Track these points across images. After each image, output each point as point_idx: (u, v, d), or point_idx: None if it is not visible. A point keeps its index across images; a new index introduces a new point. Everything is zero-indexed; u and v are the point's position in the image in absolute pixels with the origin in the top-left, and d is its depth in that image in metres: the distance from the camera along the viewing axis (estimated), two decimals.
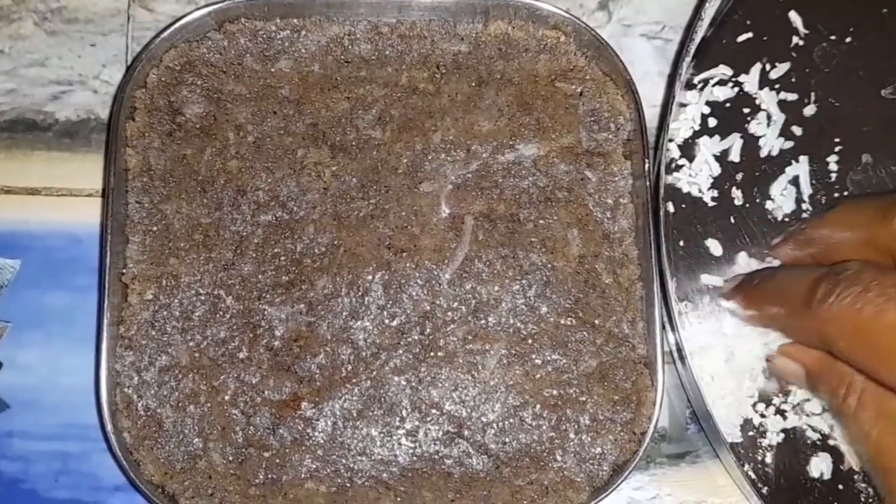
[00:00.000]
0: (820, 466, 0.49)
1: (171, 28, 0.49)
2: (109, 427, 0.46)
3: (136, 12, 0.54)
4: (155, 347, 0.47)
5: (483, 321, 0.48)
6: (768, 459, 0.49)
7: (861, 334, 0.39)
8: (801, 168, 0.51)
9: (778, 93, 0.52)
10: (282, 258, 0.48)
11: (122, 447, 0.46)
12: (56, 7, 0.54)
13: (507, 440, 0.47)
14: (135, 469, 0.45)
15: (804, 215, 0.51)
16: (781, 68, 0.53)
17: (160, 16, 0.54)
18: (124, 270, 0.48)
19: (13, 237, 0.51)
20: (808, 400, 0.49)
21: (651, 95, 0.54)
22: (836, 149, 0.52)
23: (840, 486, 0.49)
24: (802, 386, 0.47)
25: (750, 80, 0.52)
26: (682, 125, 0.52)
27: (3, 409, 0.50)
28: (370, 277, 0.48)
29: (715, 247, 0.51)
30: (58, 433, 0.49)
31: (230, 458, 0.46)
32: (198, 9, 0.50)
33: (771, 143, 0.52)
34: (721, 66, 0.52)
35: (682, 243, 0.51)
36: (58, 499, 0.49)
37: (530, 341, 0.48)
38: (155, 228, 0.48)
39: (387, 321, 0.48)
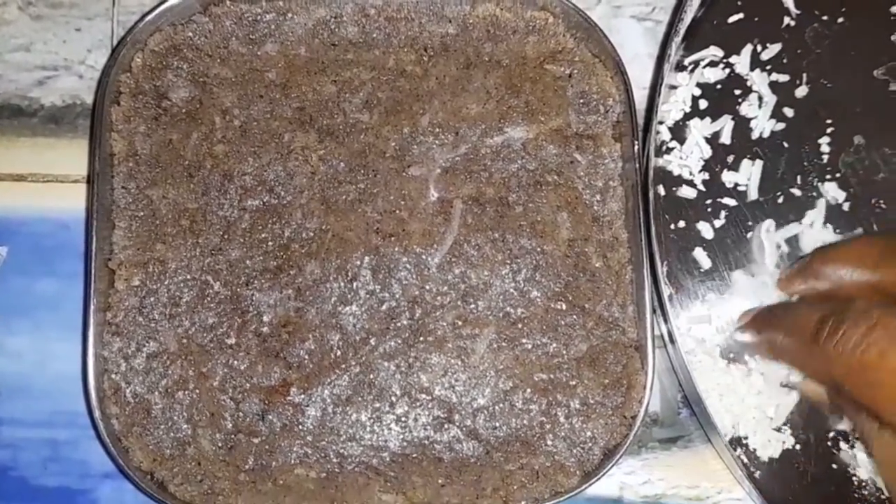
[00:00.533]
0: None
1: (156, 11, 0.49)
2: (97, 414, 0.45)
3: None
4: (142, 334, 0.47)
5: (473, 305, 0.48)
6: (759, 444, 0.48)
7: (865, 374, 0.39)
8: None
9: (769, 74, 0.52)
10: (269, 243, 0.48)
11: (111, 434, 0.46)
12: None
13: (497, 425, 0.47)
14: (123, 456, 0.45)
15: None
16: (773, 49, 0.52)
17: (145, 0, 0.53)
18: (111, 256, 0.47)
19: (0, 223, 0.51)
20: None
21: (641, 77, 0.53)
22: (828, 130, 0.52)
23: (833, 466, 0.49)
24: (825, 410, 0.47)
25: (741, 62, 0.52)
26: (673, 107, 0.51)
27: None
28: (358, 262, 0.48)
29: (706, 230, 0.50)
30: (47, 420, 0.49)
31: (219, 445, 0.46)
32: None
33: (762, 124, 0.52)
34: (712, 48, 0.52)
35: (672, 226, 0.50)
36: (47, 486, 0.49)
37: (520, 325, 0.48)
38: (141, 214, 0.48)
39: (376, 306, 0.48)
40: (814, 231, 0.50)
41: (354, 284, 0.48)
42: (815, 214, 0.50)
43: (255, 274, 0.48)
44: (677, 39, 0.50)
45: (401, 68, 0.50)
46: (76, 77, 0.53)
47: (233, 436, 0.46)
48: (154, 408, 0.46)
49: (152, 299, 0.47)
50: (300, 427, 0.47)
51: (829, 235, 0.50)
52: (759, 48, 0.52)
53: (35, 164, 0.52)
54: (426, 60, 0.50)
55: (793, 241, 0.50)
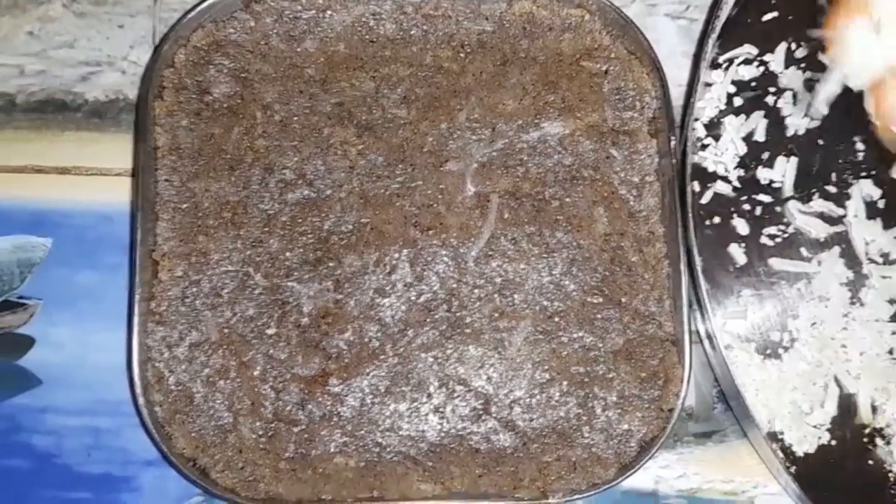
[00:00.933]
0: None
1: (199, 8, 0.50)
2: (142, 401, 0.46)
3: None
4: (185, 323, 0.48)
5: (509, 299, 0.48)
6: (795, 439, 0.48)
7: None
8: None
9: (804, 72, 0.52)
10: (309, 236, 0.49)
11: (155, 421, 0.46)
12: None
13: (534, 417, 0.47)
14: (167, 442, 0.46)
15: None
16: (807, 47, 0.52)
17: None
18: (154, 248, 0.48)
19: (44, 216, 0.52)
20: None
21: (676, 75, 0.54)
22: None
23: (869, 462, 0.48)
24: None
25: (776, 60, 0.52)
26: (708, 104, 0.52)
27: (36, 384, 0.50)
28: (397, 255, 0.49)
29: (741, 226, 0.51)
30: (89, 408, 0.50)
31: (260, 433, 0.47)
32: None
33: (797, 122, 0.52)
34: (746, 46, 0.52)
35: (707, 222, 0.51)
36: (91, 473, 0.49)
37: (557, 319, 0.48)
38: (184, 206, 0.49)
39: (413, 298, 0.48)
40: (858, 222, 0.50)
41: (392, 277, 0.48)
42: (856, 207, 0.51)
43: (295, 266, 0.48)
44: (713, 37, 0.50)
45: (438, 65, 0.51)
46: (119, 73, 0.54)
47: (273, 424, 0.47)
48: (196, 396, 0.47)
49: (195, 290, 0.48)
50: (339, 416, 0.47)
51: (876, 229, 0.50)
52: (793, 46, 0.52)
53: (79, 157, 0.53)
54: (463, 57, 0.51)
55: (843, 235, 0.50)
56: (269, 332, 0.48)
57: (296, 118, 0.50)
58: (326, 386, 0.47)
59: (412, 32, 0.51)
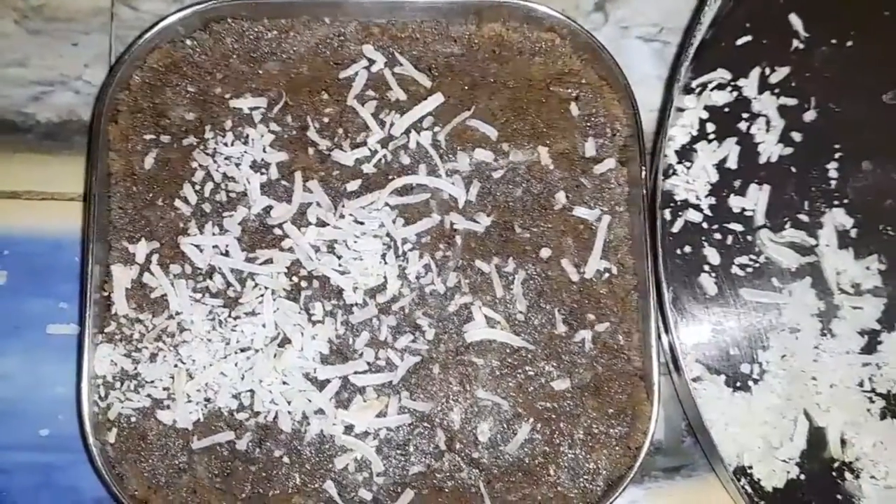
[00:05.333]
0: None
1: (156, 28, 0.48)
2: (91, 440, 0.44)
3: (120, 10, 0.53)
4: (138, 356, 0.46)
5: (475, 331, 0.47)
6: (764, 474, 0.48)
7: None
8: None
9: (778, 97, 0.51)
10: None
11: (105, 460, 0.45)
12: (37, 5, 0.52)
13: (499, 454, 0.46)
14: (118, 483, 0.44)
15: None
16: (781, 72, 0.51)
17: (144, 14, 0.52)
18: (107, 279, 0.46)
19: None
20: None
21: (648, 99, 0.52)
22: (836, 155, 0.51)
23: (838, 497, 0.48)
24: None
25: (749, 85, 0.51)
26: (680, 131, 0.51)
27: None
28: None
29: (713, 255, 0.50)
30: (38, 444, 0.48)
31: (216, 472, 0.45)
32: (183, 8, 0.48)
33: (770, 149, 0.51)
34: (720, 70, 0.51)
35: (678, 251, 0.50)
36: None
37: (523, 353, 0.47)
38: (138, 236, 0.47)
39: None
40: (830, 252, 0.49)
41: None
42: (828, 237, 0.50)
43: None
44: (687, 62, 0.49)
45: (405, 88, 0.49)
46: (73, 92, 0.52)
47: (229, 463, 0.45)
48: (149, 433, 0.45)
49: (148, 322, 0.46)
50: (298, 454, 0.46)
51: (848, 259, 0.50)
52: (767, 71, 0.51)
53: (30, 181, 0.51)
54: (431, 80, 0.49)
55: (814, 265, 0.50)
56: None
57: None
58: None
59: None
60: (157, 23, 0.48)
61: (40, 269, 0.50)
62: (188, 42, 0.49)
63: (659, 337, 0.48)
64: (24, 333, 0.49)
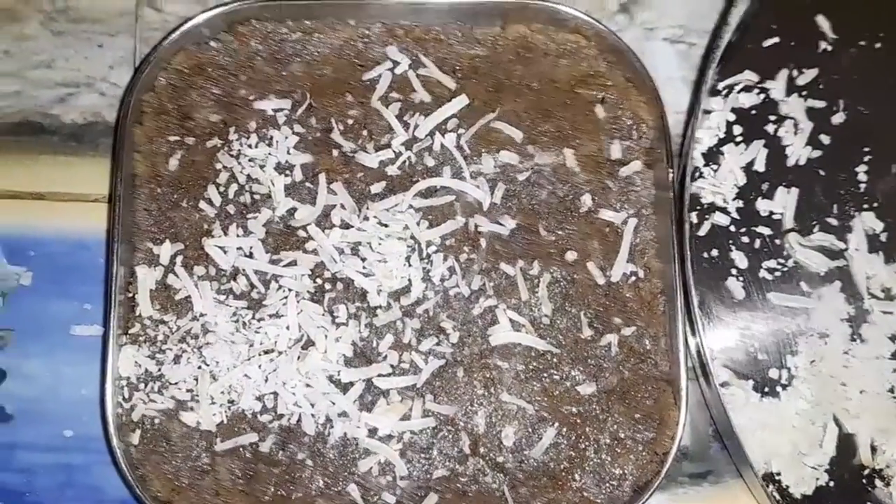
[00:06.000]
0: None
1: (180, 30, 0.48)
2: (115, 441, 0.44)
3: (145, 12, 0.53)
4: (163, 359, 0.46)
5: (500, 335, 0.47)
6: (792, 480, 0.47)
7: None
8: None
9: (806, 99, 0.51)
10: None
11: (129, 461, 0.44)
12: (63, 7, 0.53)
13: (523, 458, 0.46)
14: (141, 484, 0.44)
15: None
16: (809, 74, 0.51)
17: (169, 16, 0.53)
18: (132, 280, 0.46)
19: (18, 242, 0.50)
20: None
21: (673, 101, 0.52)
22: (866, 158, 0.50)
23: None
24: None
25: (777, 87, 0.51)
26: (707, 133, 0.50)
27: (6, 420, 0.48)
28: None
29: (740, 259, 0.49)
30: (62, 445, 0.48)
31: (238, 474, 0.45)
32: (207, 10, 0.48)
33: (798, 151, 0.50)
34: (747, 72, 0.50)
35: (705, 255, 0.49)
36: None
37: (548, 356, 0.47)
38: (163, 237, 0.47)
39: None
40: (860, 256, 0.49)
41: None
42: (858, 240, 0.49)
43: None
44: (714, 64, 0.49)
45: (429, 90, 0.49)
46: (98, 94, 0.52)
47: (252, 465, 0.45)
48: (172, 435, 0.45)
49: (172, 323, 0.46)
50: (321, 458, 0.45)
51: (878, 263, 0.49)
52: (795, 73, 0.51)
53: (55, 182, 0.51)
54: (455, 82, 0.49)
55: (844, 269, 0.49)
56: None
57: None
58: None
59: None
60: (181, 24, 0.48)
61: (65, 271, 0.50)
62: (213, 44, 0.49)
63: (686, 341, 0.47)
64: (49, 334, 0.49)
